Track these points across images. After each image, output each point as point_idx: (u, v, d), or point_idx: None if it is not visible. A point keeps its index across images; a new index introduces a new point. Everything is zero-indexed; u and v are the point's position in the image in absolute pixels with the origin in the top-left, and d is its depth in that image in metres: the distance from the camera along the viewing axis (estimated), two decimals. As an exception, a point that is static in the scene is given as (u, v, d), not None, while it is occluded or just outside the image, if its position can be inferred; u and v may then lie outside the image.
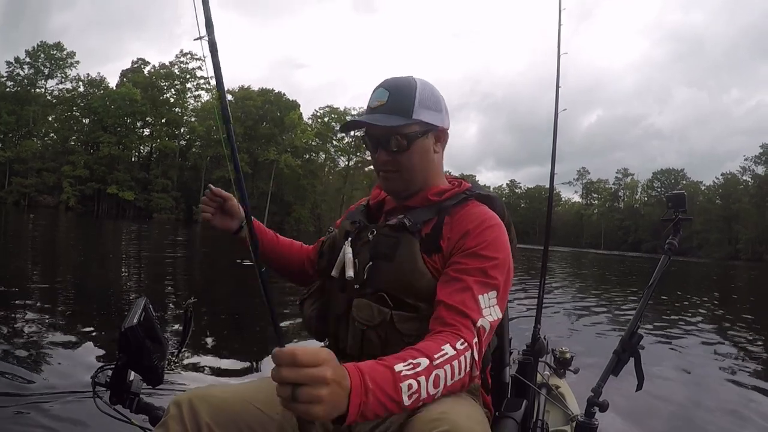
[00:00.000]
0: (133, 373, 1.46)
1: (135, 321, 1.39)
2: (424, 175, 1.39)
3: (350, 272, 1.33)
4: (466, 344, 1.12)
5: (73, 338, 4.69)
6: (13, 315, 5.48)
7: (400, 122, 1.31)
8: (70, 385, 3.42)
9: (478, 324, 1.17)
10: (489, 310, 1.20)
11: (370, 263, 1.33)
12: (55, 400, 3.17)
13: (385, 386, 0.97)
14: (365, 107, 1.39)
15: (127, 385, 1.45)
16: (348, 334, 1.35)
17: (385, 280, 1.30)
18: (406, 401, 0.99)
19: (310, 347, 0.91)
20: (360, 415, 0.94)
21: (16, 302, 6.09)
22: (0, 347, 4.10)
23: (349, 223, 1.47)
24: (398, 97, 1.33)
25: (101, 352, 4.32)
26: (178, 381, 3.68)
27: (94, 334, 4.96)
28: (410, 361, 1.03)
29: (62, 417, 2.93)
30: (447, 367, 1.06)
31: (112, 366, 1.44)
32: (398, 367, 1.00)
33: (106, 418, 1.45)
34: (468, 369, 1.11)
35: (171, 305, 6.86)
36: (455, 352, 1.09)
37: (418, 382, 1.01)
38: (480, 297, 1.20)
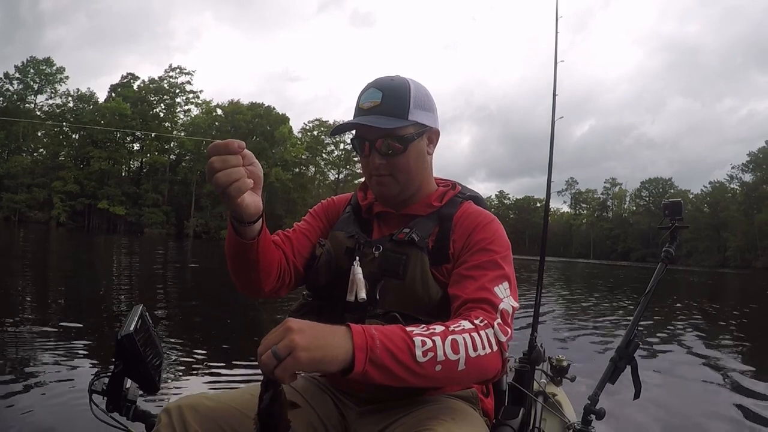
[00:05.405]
0: (129, 380, 1.45)
1: (132, 328, 1.37)
2: (419, 178, 1.36)
3: (362, 294, 1.26)
4: (485, 321, 1.08)
5: (68, 346, 4.67)
6: (7, 323, 5.45)
7: (397, 124, 1.26)
8: (66, 392, 3.41)
9: (500, 307, 1.14)
10: (506, 300, 1.17)
11: (381, 282, 1.28)
12: (51, 407, 3.15)
13: (393, 336, 0.95)
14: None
15: (124, 393, 1.44)
16: None
17: (396, 299, 1.26)
18: (421, 357, 0.95)
19: None
20: (369, 362, 0.90)
21: (11, 311, 6.05)
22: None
23: (344, 236, 1.39)
24: (393, 97, 1.28)
25: (97, 359, 4.31)
26: (174, 388, 3.67)
27: (90, 342, 4.94)
28: (422, 325, 1.02)
29: (58, 425, 2.91)
30: (466, 336, 1.02)
31: (109, 373, 1.43)
32: (409, 327, 0.99)
33: (103, 425, 1.44)
34: (496, 348, 1.07)
35: (164, 313, 6.85)
36: (473, 326, 1.06)
37: (433, 341, 0.97)
38: (495, 288, 1.18)
